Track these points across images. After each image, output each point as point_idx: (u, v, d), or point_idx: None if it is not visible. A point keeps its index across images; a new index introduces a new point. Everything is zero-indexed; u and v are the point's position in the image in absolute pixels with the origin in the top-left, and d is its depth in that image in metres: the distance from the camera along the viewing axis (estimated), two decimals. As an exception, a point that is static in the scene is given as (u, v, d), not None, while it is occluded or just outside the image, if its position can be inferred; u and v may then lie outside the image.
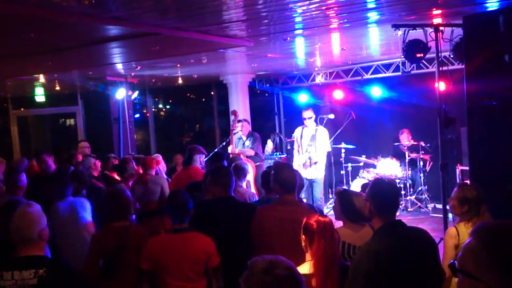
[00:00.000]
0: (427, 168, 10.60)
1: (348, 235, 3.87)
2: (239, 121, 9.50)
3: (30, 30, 5.82)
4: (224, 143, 10.68)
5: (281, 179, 4.16)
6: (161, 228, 5.69)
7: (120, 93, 11.55)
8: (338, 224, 4.12)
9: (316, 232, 3.44)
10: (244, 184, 6.17)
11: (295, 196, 4.28)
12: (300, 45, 8.59)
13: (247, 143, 9.43)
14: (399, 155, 10.64)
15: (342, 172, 10.88)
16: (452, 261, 1.86)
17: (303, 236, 3.51)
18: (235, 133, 9.39)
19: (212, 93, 14.36)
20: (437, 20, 6.63)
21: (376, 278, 2.97)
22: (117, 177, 7.54)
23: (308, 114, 9.34)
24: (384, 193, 3.30)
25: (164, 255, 3.92)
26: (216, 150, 9.71)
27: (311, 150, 9.21)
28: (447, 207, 6.59)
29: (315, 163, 9.13)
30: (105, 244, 4.38)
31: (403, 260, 3.07)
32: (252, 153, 9.30)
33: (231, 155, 8.92)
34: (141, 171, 7.22)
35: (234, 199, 4.68)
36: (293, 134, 9.76)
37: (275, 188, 4.26)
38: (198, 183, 5.54)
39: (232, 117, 9.49)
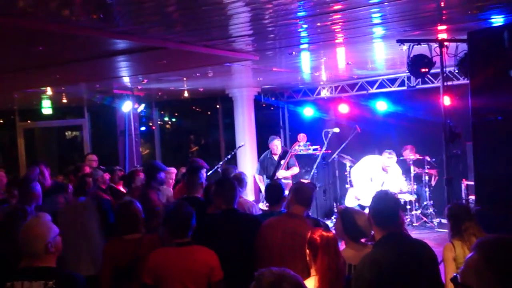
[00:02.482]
0: (433, 183, 10.57)
1: (351, 257, 3.82)
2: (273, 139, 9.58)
3: (38, 43, 5.88)
4: (229, 156, 10.71)
5: (298, 192, 4.32)
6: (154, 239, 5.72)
7: (127, 106, 11.60)
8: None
9: (320, 247, 3.44)
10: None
11: (304, 211, 4.31)
12: (305, 60, 8.64)
13: (282, 173, 9.25)
14: (404, 170, 10.62)
15: (347, 186, 10.85)
16: (455, 274, 1.88)
17: (308, 251, 3.52)
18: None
19: (218, 106, 14.40)
20: (442, 36, 6.67)
21: None
22: (122, 189, 7.56)
23: (393, 162, 8.98)
24: (384, 204, 3.32)
25: (166, 268, 3.89)
26: (220, 163, 9.74)
27: (381, 187, 8.77)
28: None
29: None
30: (118, 257, 4.41)
31: (404, 270, 3.08)
32: (296, 170, 9.48)
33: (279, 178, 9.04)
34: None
35: (237, 212, 4.70)
36: (360, 166, 9.23)
37: (290, 199, 4.37)
38: (194, 198, 5.51)
39: (300, 143, 9.53)
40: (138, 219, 4.62)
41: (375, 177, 8.87)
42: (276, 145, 9.50)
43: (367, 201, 8.49)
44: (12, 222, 4.59)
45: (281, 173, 9.18)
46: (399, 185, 9.13)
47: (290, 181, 8.96)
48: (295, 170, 9.40)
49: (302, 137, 9.65)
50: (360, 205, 8.64)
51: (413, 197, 10.09)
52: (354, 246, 3.94)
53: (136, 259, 4.32)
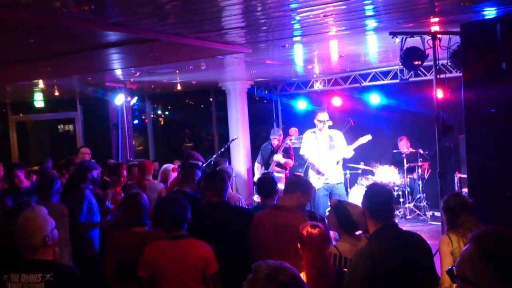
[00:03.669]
0: (426, 176, 10.61)
1: (346, 250, 3.76)
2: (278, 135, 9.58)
3: (30, 36, 5.83)
4: (222, 149, 10.70)
5: (287, 181, 4.44)
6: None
7: (119, 99, 11.57)
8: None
9: (305, 243, 3.44)
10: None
11: (295, 202, 4.32)
12: (298, 52, 8.62)
13: (278, 157, 9.30)
14: (397, 163, 10.65)
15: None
16: (450, 267, 1.88)
17: (299, 244, 3.52)
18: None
19: (211, 99, 14.38)
20: (434, 28, 6.67)
21: (373, 281, 2.98)
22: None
23: (325, 116, 8.78)
24: (378, 197, 3.31)
25: (161, 261, 3.89)
26: (214, 156, 9.74)
27: (333, 153, 8.71)
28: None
29: (337, 162, 8.79)
30: (125, 248, 4.38)
31: (398, 263, 3.08)
32: (291, 163, 9.43)
33: (274, 164, 9.16)
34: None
35: (228, 204, 4.70)
36: (302, 142, 9.12)
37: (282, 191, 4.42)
38: (183, 192, 5.45)
39: (291, 137, 9.57)
40: (144, 211, 4.59)
41: (320, 145, 8.78)
42: (277, 139, 9.55)
43: (328, 171, 8.59)
44: (15, 215, 4.55)
45: (276, 157, 9.26)
46: (345, 145, 8.92)
47: (283, 175, 8.96)
48: (290, 162, 9.42)
49: (293, 131, 9.71)
50: (325, 183, 8.56)
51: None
52: (349, 239, 3.88)
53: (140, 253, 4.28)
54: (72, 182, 6.39)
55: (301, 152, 9.06)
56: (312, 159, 8.76)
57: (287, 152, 9.39)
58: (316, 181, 8.60)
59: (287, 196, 4.38)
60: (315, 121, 8.82)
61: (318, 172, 8.65)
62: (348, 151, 8.88)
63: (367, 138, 9.10)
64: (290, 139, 9.55)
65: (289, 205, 4.29)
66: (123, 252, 4.38)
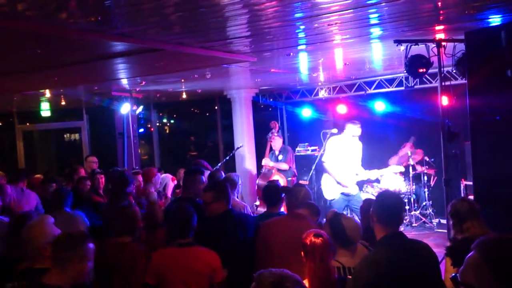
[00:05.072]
0: (432, 183, 10.58)
1: (346, 261, 3.74)
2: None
3: (36, 46, 5.89)
4: (228, 157, 10.73)
5: (297, 196, 4.55)
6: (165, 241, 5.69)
7: (125, 108, 11.63)
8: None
9: (308, 252, 3.44)
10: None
11: (309, 214, 4.37)
12: (303, 60, 8.64)
13: (280, 157, 9.48)
14: (404, 170, 10.63)
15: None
16: (454, 274, 1.89)
17: (302, 253, 3.52)
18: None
19: (216, 107, 14.42)
20: (439, 36, 6.67)
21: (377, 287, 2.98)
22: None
23: (359, 131, 8.31)
24: (388, 204, 3.31)
25: (169, 269, 3.91)
26: (219, 164, 9.77)
27: (356, 164, 8.43)
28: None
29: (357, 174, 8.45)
30: (102, 258, 4.38)
31: (403, 271, 3.08)
32: (286, 167, 9.45)
33: (264, 168, 9.37)
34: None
35: (234, 213, 4.72)
36: (327, 149, 8.52)
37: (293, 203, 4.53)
38: (188, 199, 5.44)
39: (272, 130, 9.70)
40: (132, 222, 4.49)
41: (347, 156, 8.29)
42: (269, 141, 9.76)
43: (351, 185, 8.14)
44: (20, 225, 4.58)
45: (264, 161, 9.44)
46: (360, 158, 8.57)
47: (279, 177, 8.94)
48: (282, 166, 9.42)
49: (273, 124, 9.88)
50: (343, 193, 8.15)
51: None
52: (345, 252, 3.83)
53: (115, 264, 4.19)
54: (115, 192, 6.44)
55: (323, 159, 8.47)
56: (333, 170, 8.22)
57: (285, 154, 9.44)
58: (332, 188, 8.23)
59: (303, 210, 4.51)
60: (346, 132, 8.36)
61: (338, 182, 8.18)
62: (374, 175, 8.79)
63: (399, 168, 9.24)
64: (272, 132, 9.67)
65: (303, 214, 4.37)
66: (100, 262, 4.38)
